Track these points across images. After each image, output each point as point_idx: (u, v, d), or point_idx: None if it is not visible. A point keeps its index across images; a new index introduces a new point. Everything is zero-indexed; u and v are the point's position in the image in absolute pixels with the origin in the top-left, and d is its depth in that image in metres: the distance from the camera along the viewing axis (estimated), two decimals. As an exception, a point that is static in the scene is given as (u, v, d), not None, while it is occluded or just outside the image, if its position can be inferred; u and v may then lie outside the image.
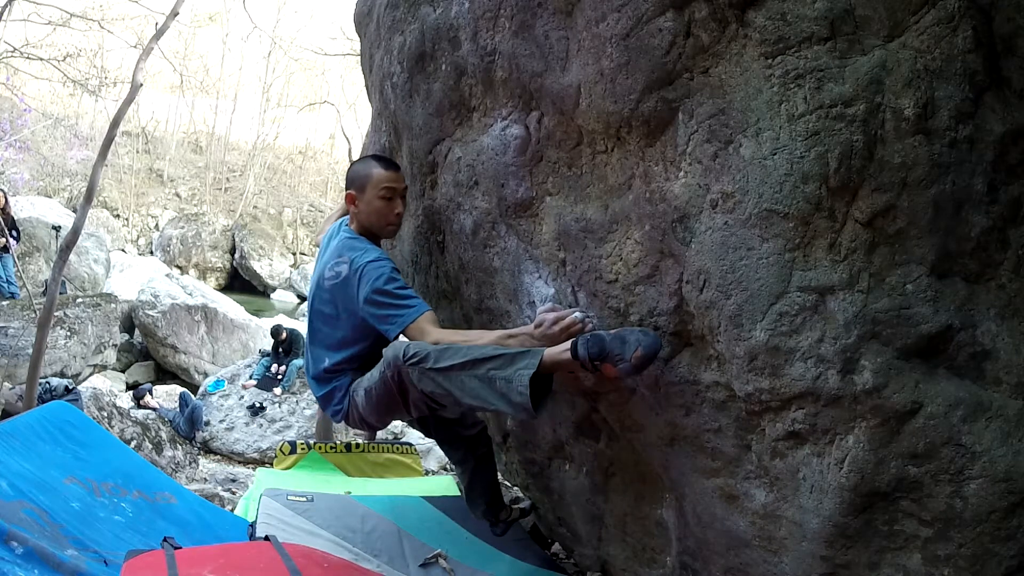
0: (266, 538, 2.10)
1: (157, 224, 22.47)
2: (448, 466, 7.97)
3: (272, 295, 20.37)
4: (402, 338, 1.91)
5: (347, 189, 2.17)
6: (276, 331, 10.16)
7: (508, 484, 3.39)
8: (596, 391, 1.92)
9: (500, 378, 1.67)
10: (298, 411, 9.03)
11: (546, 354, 1.68)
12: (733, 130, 1.41)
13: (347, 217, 2.23)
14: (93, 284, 14.06)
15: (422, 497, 2.98)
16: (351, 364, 2.06)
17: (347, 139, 9.77)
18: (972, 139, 1.31)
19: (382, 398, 1.90)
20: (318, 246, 2.43)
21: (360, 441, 4.86)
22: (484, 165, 2.01)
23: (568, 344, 1.67)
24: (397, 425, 7.11)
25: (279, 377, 9.35)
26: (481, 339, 1.84)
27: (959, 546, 1.31)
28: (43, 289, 9.31)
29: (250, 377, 9.45)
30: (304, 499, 2.63)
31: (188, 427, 8.42)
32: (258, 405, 8.98)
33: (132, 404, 8.69)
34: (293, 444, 4.07)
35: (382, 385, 1.86)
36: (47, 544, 1.80)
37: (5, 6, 8.23)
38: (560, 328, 1.74)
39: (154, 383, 11.03)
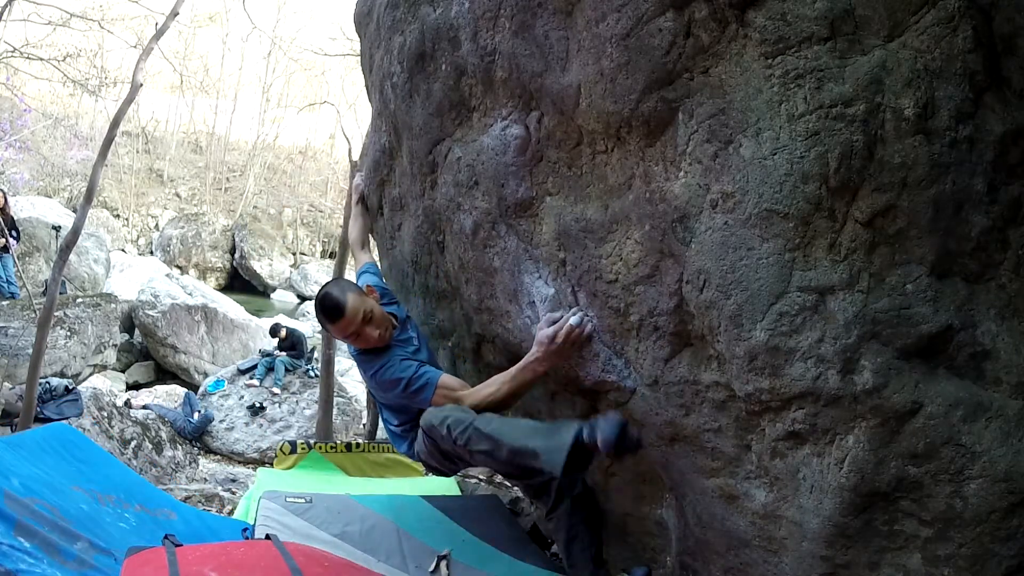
0: (267, 537, 2.10)
1: (157, 224, 22.47)
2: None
3: (272, 295, 20.38)
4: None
5: None
6: (275, 329, 10.15)
7: (509, 484, 3.39)
8: (596, 391, 1.92)
9: (536, 468, 1.78)
10: (298, 411, 9.02)
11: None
12: (733, 130, 1.41)
13: None
14: (93, 284, 14.06)
15: (421, 497, 2.98)
16: (413, 423, 2.25)
17: (347, 139, 9.74)
18: (972, 139, 1.31)
19: (435, 455, 2.11)
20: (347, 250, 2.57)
21: (360, 441, 4.85)
22: (484, 165, 2.01)
23: (573, 436, 1.72)
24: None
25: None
26: (498, 388, 1.98)
27: (959, 546, 1.31)
28: (43, 289, 9.30)
29: (250, 378, 9.45)
30: (303, 500, 2.63)
31: (195, 432, 8.43)
32: (258, 405, 8.98)
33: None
34: (293, 444, 4.07)
35: (433, 447, 2.07)
36: (57, 537, 1.82)
37: (5, 6, 8.23)
38: (563, 340, 1.81)
39: (154, 383, 11.04)
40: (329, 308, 2.17)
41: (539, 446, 1.75)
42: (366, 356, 2.25)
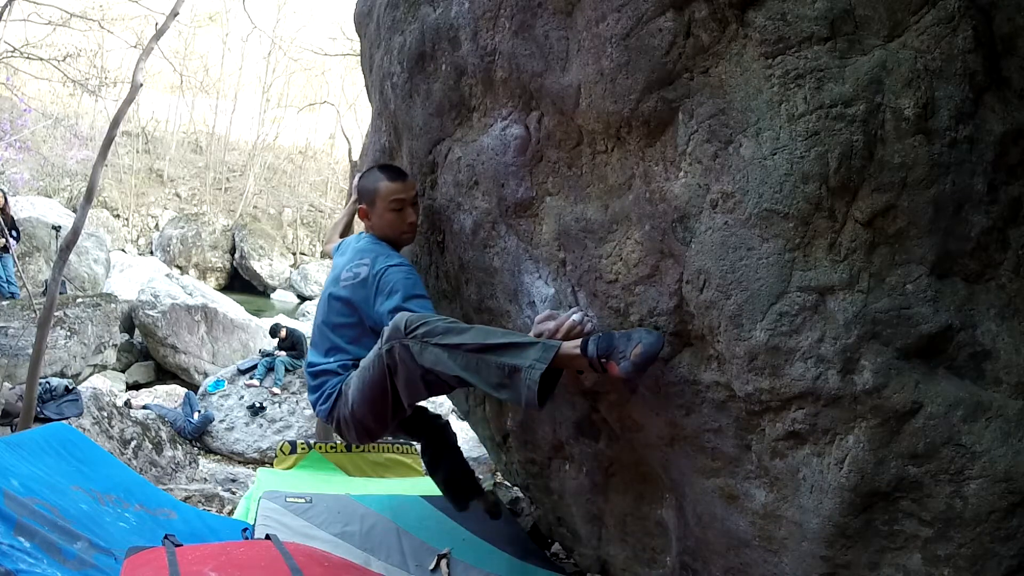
0: (267, 537, 2.10)
1: (157, 224, 22.49)
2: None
3: (272, 295, 20.40)
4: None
5: (359, 203, 2.20)
6: (275, 329, 10.17)
7: (508, 484, 3.39)
8: (596, 391, 1.92)
9: (510, 367, 1.61)
10: (298, 411, 9.03)
11: (560, 349, 1.64)
12: (733, 130, 1.41)
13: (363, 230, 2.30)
14: (93, 284, 14.07)
15: (421, 496, 2.98)
16: (351, 362, 2.05)
17: (347, 139, 9.78)
18: (972, 139, 1.31)
19: (374, 382, 1.83)
20: (326, 255, 2.50)
21: (360, 441, 4.82)
22: (484, 165, 2.01)
23: (579, 341, 1.65)
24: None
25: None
26: None
27: (959, 546, 1.31)
28: (43, 289, 9.32)
29: (250, 378, 9.46)
30: (303, 500, 2.63)
31: (195, 432, 8.44)
32: (258, 405, 8.99)
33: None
34: (293, 444, 4.07)
35: (377, 363, 1.80)
36: (57, 537, 1.82)
37: (5, 6, 8.23)
38: (563, 337, 1.73)
39: (154, 383, 11.04)
40: (396, 168, 2.17)
41: (531, 339, 1.65)
42: (385, 247, 2.11)
